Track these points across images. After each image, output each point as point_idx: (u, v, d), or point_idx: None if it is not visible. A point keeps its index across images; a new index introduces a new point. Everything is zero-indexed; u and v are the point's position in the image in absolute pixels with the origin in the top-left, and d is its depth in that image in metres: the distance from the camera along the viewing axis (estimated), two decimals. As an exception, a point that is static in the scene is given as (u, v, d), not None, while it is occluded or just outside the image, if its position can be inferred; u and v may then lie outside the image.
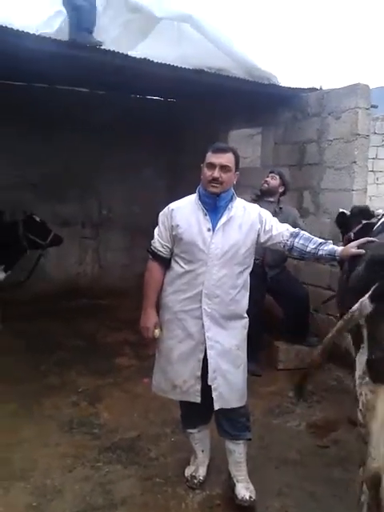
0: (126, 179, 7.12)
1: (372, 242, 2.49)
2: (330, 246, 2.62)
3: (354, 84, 4.58)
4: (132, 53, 4.41)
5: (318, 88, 5.18)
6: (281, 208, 4.44)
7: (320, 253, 2.61)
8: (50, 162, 6.48)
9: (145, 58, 4.39)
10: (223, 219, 2.56)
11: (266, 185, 4.47)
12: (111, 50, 4.23)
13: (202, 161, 2.62)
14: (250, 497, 2.65)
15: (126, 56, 4.30)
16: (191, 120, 6.97)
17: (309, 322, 4.73)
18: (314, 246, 2.63)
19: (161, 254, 2.65)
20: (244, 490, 2.68)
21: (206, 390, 2.63)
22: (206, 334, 2.58)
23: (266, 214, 2.72)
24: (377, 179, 7.90)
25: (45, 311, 5.70)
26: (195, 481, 2.83)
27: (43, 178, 6.45)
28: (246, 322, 2.73)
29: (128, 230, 7.46)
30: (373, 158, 7.55)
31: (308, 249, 2.63)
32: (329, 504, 2.69)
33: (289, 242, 2.66)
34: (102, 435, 3.37)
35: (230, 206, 2.60)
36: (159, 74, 4.63)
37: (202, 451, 2.91)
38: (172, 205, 2.67)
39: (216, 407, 2.61)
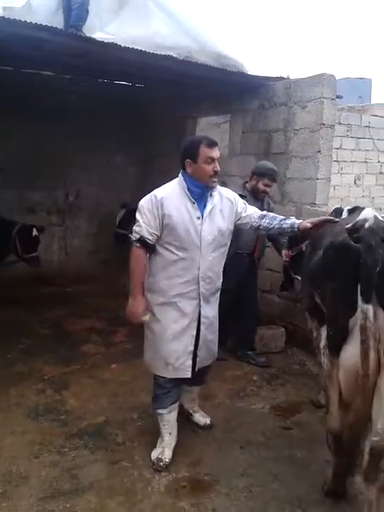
0: (93, 165, 7.06)
1: (331, 221, 2.70)
2: (291, 220, 2.94)
3: (319, 74, 4.64)
4: (107, 29, 4.37)
5: (286, 77, 5.22)
6: (269, 203, 4.34)
7: (283, 226, 2.94)
8: (15, 147, 6.35)
9: (112, 43, 4.33)
10: (208, 208, 2.76)
11: (264, 194, 4.23)
12: (79, 34, 4.16)
13: (191, 155, 2.70)
14: (210, 422, 3.31)
15: (95, 40, 4.24)
16: (160, 106, 6.93)
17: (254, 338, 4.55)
18: (277, 222, 2.97)
19: (149, 241, 2.71)
20: (203, 418, 3.33)
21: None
22: (201, 312, 2.84)
23: (237, 197, 3.01)
24: (341, 169, 8.04)
25: (11, 299, 5.60)
26: (161, 463, 2.88)
27: (9, 164, 6.31)
28: (219, 293, 3.01)
29: (95, 217, 7.42)
30: (337, 148, 7.67)
31: (272, 225, 2.97)
32: (292, 483, 2.78)
33: (255, 223, 2.99)
34: (69, 421, 3.37)
35: (212, 194, 2.80)
36: (127, 59, 4.57)
37: (169, 434, 2.98)
38: (158, 193, 2.71)
39: (196, 368, 2.91)
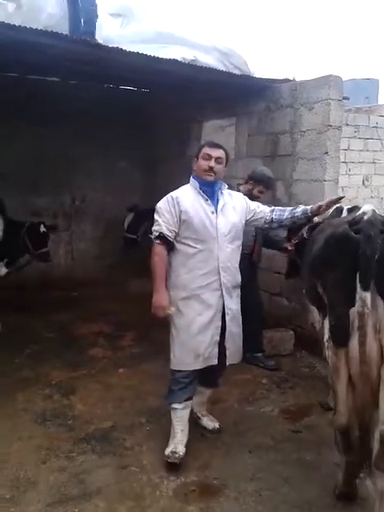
0: (98, 170, 7.07)
1: (338, 199, 3.04)
2: (301, 207, 3.15)
3: (326, 75, 4.61)
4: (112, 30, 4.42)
5: (291, 79, 5.20)
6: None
7: (296, 214, 3.13)
8: (22, 152, 6.38)
9: (117, 47, 4.34)
10: (220, 204, 2.98)
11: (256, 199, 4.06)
12: (84, 39, 4.17)
13: (196, 154, 3.03)
14: (219, 426, 3.32)
15: (99, 45, 4.25)
16: (164, 111, 6.94)
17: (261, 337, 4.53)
18: (288, 213, 3.16)
19: (168, 237, 2.89)
20: (211, 422, 3.35)
21: None
22: (225, 303, 2.95)
23: (247, 198, 3.23)
24: (349, 170, 7.99)
25: (17, 304, 5.61)
26: (176, 455, 2.88)
27: (15, 169, 6.33)
28: (239, 290, 3.12)
29: (101, 222, 7.43)
30: (345, 150, 7.63)
31: (284, 216, 3.15)
32: (301, 487, 2.75)
33: (268, 217, 3.17)
34: (76, 426, 3.35)
35: (222, 192, 3.03)
36: (131, 64, 4.58)
37: (181, 430, 3.01)
38: (174, 194, 2.94)
39: (228, 363, 3.04)
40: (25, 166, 6.43)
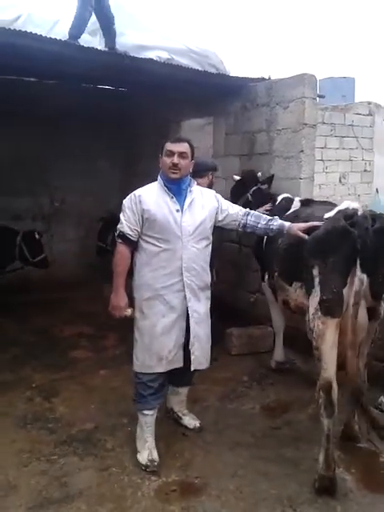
0: (78, 170, 7.02)
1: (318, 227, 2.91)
2: (278, 222, 3.08)
3: (300, 74, 4.66)
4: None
5: (267, 78, 5.24)
6: None
7: (271, 227, 3.07)
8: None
9: (92, 47, 4.33)
10: (187, 201, 2.87)
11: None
12: (61, 40, 4.15)
13: (160, 152, 2.89)
14: (200, 424, 3.30)
15: (74, 45, 4.24)
16: (143, 110, 6.93)
17: None
18: (264, 223, 3.08)
19: (130, 237, 2.83)
20: (192, 420, 3.32)
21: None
22: (188, 304, 2.87)
23: (220, 196, 3.11)
24: (326, 168, 8.07)
25: (-4, 307, 5.55)
26: (155, 463, 2.89)
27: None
28: (209, 292, 3.06)
29: (80, 222, 7.38)
30: (322, 148, 7.71)
31: (259, 225, 3.08)
32: (282, 482, 2.79)
33: (242, 220, 3.08)
34: (58, 429, 3.34)
35: (190, 189, 2.91)
36: (107, 62, 4.57)
37: (151, 435, 3.01)
38: (137, 192, 2.85)
39: (192, 368, 2.95)
40: (3, 167, 6.36)
